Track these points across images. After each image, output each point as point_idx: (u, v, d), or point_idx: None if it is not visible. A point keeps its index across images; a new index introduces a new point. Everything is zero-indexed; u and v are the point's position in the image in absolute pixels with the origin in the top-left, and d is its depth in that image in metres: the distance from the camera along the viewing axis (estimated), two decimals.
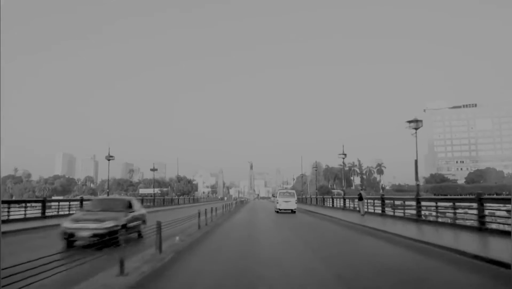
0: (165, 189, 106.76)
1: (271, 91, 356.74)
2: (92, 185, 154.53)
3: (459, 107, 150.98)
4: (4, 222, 15.98)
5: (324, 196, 47.14)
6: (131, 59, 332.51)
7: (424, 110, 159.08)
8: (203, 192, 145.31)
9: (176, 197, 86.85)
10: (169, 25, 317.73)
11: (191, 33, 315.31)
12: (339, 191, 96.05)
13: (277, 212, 29.17)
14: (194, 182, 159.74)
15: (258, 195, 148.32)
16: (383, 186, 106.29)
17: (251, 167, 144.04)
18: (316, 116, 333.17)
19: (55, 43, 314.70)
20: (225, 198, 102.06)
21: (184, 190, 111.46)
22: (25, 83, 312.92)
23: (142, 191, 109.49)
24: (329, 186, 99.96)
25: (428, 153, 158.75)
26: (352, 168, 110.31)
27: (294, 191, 32.43)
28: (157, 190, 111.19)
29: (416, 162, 20.11)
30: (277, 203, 29.75)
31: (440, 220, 16.78)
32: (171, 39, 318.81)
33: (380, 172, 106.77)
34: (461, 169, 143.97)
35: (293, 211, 28.95)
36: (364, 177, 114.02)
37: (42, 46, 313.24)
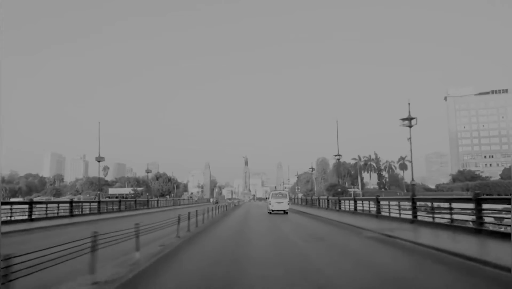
0: (139, 189, 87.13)
1: (272, 91, 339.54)
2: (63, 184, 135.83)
3: (487, 93, 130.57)
4: None
5: (358, 198, 27.62)
6: (126, 60, 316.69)
7: (445, 98, 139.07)
8: (192, 192, 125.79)
9: (146, 199, 66.35)
10: (165, 25, 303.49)
11: (188, 34, 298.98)
12: (355, 190, 76.52)
13: (270, 212, 28.91)
14: (182, 182, 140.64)
15: (254, 195, 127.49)
16: (407, 183, 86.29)
17: (246, 163, 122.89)
18: (316, 117, 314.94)
19: (47, 44, 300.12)
20: (211, 200, 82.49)
21: (164, 189, 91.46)
22: (18, 84, 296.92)
23: (111, 191, 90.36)
24: (344, 184, 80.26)
25: (450, 147, 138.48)
26: (368, 162, 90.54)
27: (286, 192, 33.67)
28: (130, 190, 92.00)
29: None
30: (270, 204, 29.57)
31: None
32: (167, 40, 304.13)
33: (404, 167, 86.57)
34: (490, 164, 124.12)
35: (285, 212, 28.70)
36: (383, 173, 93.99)
37: (35, 47, 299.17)
